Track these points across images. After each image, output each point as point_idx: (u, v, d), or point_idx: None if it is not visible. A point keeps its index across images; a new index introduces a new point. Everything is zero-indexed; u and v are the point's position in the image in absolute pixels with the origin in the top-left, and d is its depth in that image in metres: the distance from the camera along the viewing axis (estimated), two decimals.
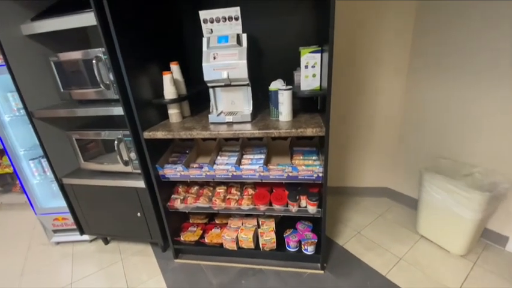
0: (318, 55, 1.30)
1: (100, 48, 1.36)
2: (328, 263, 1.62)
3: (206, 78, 1.34)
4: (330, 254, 1.68)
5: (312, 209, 1.44)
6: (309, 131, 1.22)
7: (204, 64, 1.32)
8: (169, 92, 1.43)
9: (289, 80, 1.45)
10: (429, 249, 1.69)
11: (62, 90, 1.54)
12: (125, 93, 1.30)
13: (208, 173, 1.45)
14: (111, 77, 1.38)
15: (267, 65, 1.68)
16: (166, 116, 1.55)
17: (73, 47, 1.48)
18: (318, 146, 1.51)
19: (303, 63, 1.33)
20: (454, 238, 1.61)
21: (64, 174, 1.69)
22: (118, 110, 1.37)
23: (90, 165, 1.66)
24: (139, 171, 1.53)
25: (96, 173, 1.68)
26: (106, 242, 1.94)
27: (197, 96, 1.66)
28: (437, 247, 1.70)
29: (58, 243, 1.98)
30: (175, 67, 1.51)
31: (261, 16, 1.59)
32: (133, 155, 1.52)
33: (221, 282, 1.54)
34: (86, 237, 1.91)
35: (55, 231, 1.94)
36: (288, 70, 1.56)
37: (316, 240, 1.52)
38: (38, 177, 1.86)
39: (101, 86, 1.40)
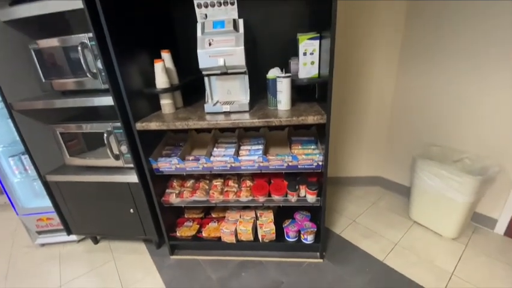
0: (317, 42, 1.27)
1: (85, 34, 1.26)
2: (326, 251, 1.62)
3: (201, 65, 1.28)
4: (328, 243, 1.69)
5: (311, 198, 1.44)
6: (310, 119, 1.20)
7: (198, 51, 1.26)
8: (162, 81, 1.36)
9: (284, 69, 1.41)
10: (423, 234, 1.74)
11: (43, 80, 1.42)
12: (116, 82, 1.22)
13: (205, 165, 1.40)
14: (99, 65, 1.29)
15: (260, 53, 1.64)
16: (157, 107, 1.48)
17: (55, 34, 1.37)
18: (317, 135, 1.50)
19: (301, 50, 1.30)
20: (446, 222, 1.66)
21: (47, 171, 1.58)
22: (108, 100, 1.29)
23: (76, 160, 1.56)
24: (130, 165, 1.46)
25: (83, 168, 1.58)
26: (96, 241, 1.85)
27: (189, 87, 1.60)
28: (429, 231, 1.75)
29: (43, 245, 1.87)
30: (166, 55, 1.44)
31: (252, 2, 1.54)
32: (124, 148, 1.44)
33: (221, 276, 1.51)
34: (73, 237, 1.81)
35: (39, 232, 1.83)
36: (283, 59, 1.52)
37: (315, 229, 1.52)
38: (18, 175, 1.73)
39: (88, 75, 1.31)
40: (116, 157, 1.47)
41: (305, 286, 1.42)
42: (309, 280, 1.46)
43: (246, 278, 1.49)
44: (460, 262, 1.51)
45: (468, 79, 1.59)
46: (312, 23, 1.52)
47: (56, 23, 1.55)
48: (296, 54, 1.51)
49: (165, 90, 1.39)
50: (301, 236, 1.54)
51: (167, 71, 1.39)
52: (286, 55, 1.56)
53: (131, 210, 1.57)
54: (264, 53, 1.63)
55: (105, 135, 1.39)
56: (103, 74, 1.31)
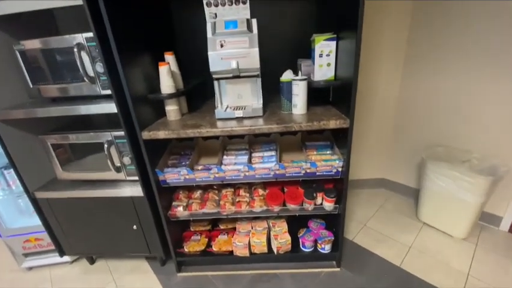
0: (333, 43, 1.22)
1: (81, 34, 1.13)
2: (342, 259, 1.57)
3: (212, 68, 1.19)
4: (343, 250, 1.64)
5: (329, 205, 1.38)
6: (332, 124, 1.14)
7: (209, 53, 1.17)
8: (167, 85, 1.26)
9: (294, 71, 1.35)
10: (434, 235, 1.73)
11: (31, 86, 1.27)
12: (119, 87, 1.10)
13: (217, 175, 1.31)
14: (97, 68, 1.16)
15: (266, 55, 1.56)
16: (162, 114, 1.37)
17: (42, 34, 1.22)
18: (332, 139, 1.44)
19: (317, 51, 1.24)
20: (456, 223, 1.67)
21: (36, 187, 1.42)
22: (109, 108, 1.17)
23: (70, 174, 1.41)
24: (134, 177, 1.34)
25: (78, 183, 1.43)
26: (92, 261, 1.69)
27: (192, 92, 1.50)
28: (440, 233, 1.75)
29: (31, 268, 1.68)
30: (171, 57, 1.33)
31: (258, 2, 1.46)
32: (126, 159, 1.31)
33: None
34: (66, 258, 1.64)
35: (26, 254, 1.64)
36: (289, 61, 1.47)
37: (333, 238, 1.46)
38: (1, 192, 1.55)
39: (85, 79, 1.18)
40: (118, 169, 1.34)
41: None
42: None
43: None
44: (473, 262, 1.51)
45: (473, 79, 1.60)
46: (320, 24, 1.47)
47: (42, 22, 1.41)
48: (304, 56, 1.47)
49: (171, 96, 1.28)
50: (318, 245, 1.48)
51: (172, 74, 1.29)
52: (293, 57, 1.51)
53: (135, 227, 1.43)
54: (270, 55, 1.55)
55: (105, 145, 1.26)
56: (102, 78, 1.20)
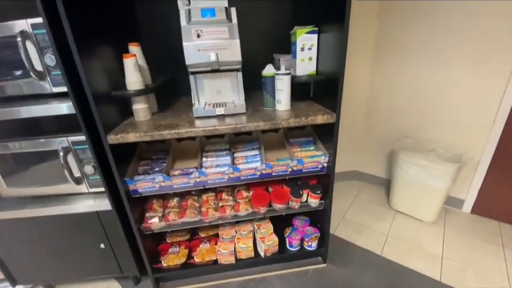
0: (315, 36, 1.18)
1: (26, 20, 0.92)
2: (327, 254, 1.57)
3: (188, 61, 1.07)
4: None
5: (314, 202, 1.35)
6: (320, 119, 1.11)
7: (184, 44, 1.05)
8: (134, 80, 1.10)
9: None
10: (406, 221, 1.83)
11: None
12: (77, 83, 0.92)
13: (198, 180, 1.19)
14: (48, 61, 0.96)
15: (242, 49, 1.48)
16: (128, 114, 1.21)
17: None
18: (314, 135, 1.42)
19: (299, 45, 1.19)
20: (426, 208, 1.78)
21: None
22: (62, 108, 0.98)
23: (17, 190, 1.16)
24: (98, 189, 1.15)
25: (28, 200, 1.20)
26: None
27: (161, 89, 1.36)
28: (411, 218, 1.85)
29: None
30: (136, 49, 1.18)
31: None
32: (88, 168, 1.12)
33: None
34: (20, 287, 1.38)
35: None
36: (266, 55, 1.42)
37: (319, 234, 1.44)
38: None
39: (32, 74, 0.96)
40: (78, 181, 1.14)
41: None
42: None
43: None
44: (444, 244, 1.62)
45: (435, 73, 1.72)
46: (297, 17, 1.43)
47: None
48: (279, 51, 1.42)
49: (140, 92, 1.12)
50: (305, 243, 1.45)
51: (140, 69, 1.13)
52: (268, 51, 1.45)
53: (102, 245, 1.24)
54: (245, 49, 1.47)
55: (61, 153, 1.06)
56: (54, 73, 1.00)
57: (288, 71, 1.16)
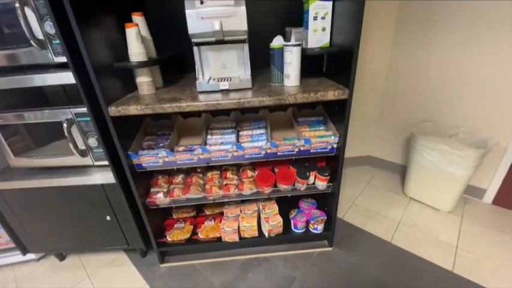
0: (330, 3, 1.08)
1: None
2: (334, 238, 1.53)
3: (191, 31, 1.01)
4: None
5: (322, 184, 1.30)
6: (331, 95, 1.03)
7: (187, 11, 0.98)
8: (137, 52, 1.06)
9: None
10: (421, 210, 1.74)
11: None
12: (77, 53, 0.89)
13: (201, 156, 1.16)
14: (48, 28, 0.94)
15: (250, 20, 1.39)
16: (132, 88, 1.18)
17: None
18: (325, 114, 1.34)
19: (311, 13, 1.09)
20: (443, 196, 1.68)
21: None
22: (66, 78, 0.96)
23: (25, 161, 1.19)
24: (103, 162, 1.16)
25: (35, 171, 1.22)
26: (62, 257, 1.51)
27: (166, 65, 1.32)
28: (426, 207, 1.76)
29: None
30: (139, 19, 1.13)
31: None
32: (92, 141, 1.12)
33: (224, 280, 1.33)
34: (31, 255, 1.45)
35: None
36: (276, 28, 1.31)
37: (325, 218, 1.40)
38: None
39: (32, 43, 0.94)
40: (82, 153, 1.14)
41: (319, 279, 1.31)
42: (322, 271, 1.35)
43: (253, 278, 1.33)
44: (460, 234, 1.53)
45: (461, 52, 1.56)
46: None
47: None
48: (292, 25, 1.31)
49: (143, 64, 1.09)
50: (310, 226, 1.41)
51: (143, 40, 1.09)
52: (279, 24, 1.35)
53: (108, 218, 1.27)
54: (254, 21, 1.38)
55: (64, 125, 1.06)
56: (55, 42, 0.97)
57: (298, 42, 1.07)
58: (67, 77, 0.98)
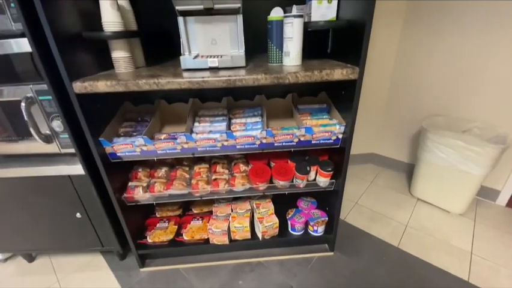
0: None
1: None
2: (335, 241, 1.38)
3: None
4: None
5: (324, 181, 1.15)
6: (338, 74, 0.87)
7: None
8: (111, 21, 0.90)
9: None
10: (430, 212, 1.60)
11: None
12: (35, 18, 0.73)
13: (185, 146, 1.00)
14: None
15: None
16: (108, 65, 1.01)
17: None
18: (329, 101, 1.18)
19: None
20: (455, 197, 1.53)
21: None
22: (23, 45, 0.80)
23: None
24: (71, 150, 0.99)
25: None
26: (31, 259, 1.34)
27: (152, 43, 1.16)
28: (436, 209, 1.61)
29: None
30: None
31: None
32: (57, 124, 0.96)
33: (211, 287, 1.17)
34: None
35: None
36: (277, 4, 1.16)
37: (327, 219, 1.25)
38: None
39: None
40: (47, 139, 0.98)
41: (319, 287, 1.16)
42: (322, 279, 1.20)
43: (245, 286, 1.17)
44: (474, 239, 1.39)
45: (474, 41, 1.42)
46: None
47: None
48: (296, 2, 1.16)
49: (118, 35, 0.92)
50: (310, 227, 1.26)
51: (119, 8, 0.93)
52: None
53: (78, 215, 1.11)
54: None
55: (23, 104, 0.89)
56: (12, 5, 0.81)
57: (300, 13, 0.91)
58: (25, 46, 0.82)
